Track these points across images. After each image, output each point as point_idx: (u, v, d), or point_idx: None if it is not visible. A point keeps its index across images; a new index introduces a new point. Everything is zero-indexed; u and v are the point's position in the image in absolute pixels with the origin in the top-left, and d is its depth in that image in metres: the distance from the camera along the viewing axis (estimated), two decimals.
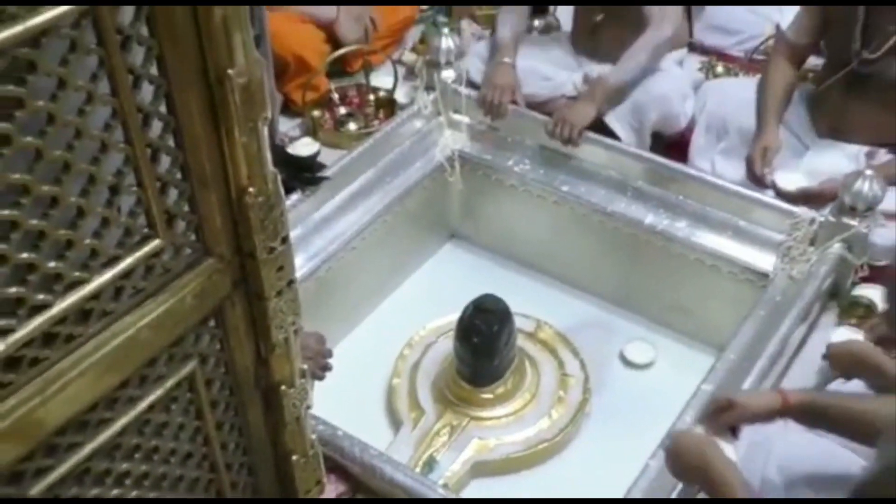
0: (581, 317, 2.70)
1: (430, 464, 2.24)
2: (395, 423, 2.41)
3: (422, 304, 2.75)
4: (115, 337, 1.09)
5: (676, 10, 2.75)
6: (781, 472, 1.78)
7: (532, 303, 2.65)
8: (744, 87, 2.88)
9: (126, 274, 1.08)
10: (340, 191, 2.57)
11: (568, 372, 2.49)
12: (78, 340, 1.06)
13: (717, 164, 2.69)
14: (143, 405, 1.18)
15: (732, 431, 1.77)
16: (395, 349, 2.56)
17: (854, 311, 2.28)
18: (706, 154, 2.73)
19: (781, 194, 2.49)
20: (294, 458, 1.42)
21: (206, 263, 1.18)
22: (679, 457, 1.71)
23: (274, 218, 1.16)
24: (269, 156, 1.14)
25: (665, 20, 2.69)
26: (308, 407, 1.41)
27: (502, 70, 2.75)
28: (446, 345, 2.47)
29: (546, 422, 2.36)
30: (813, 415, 1.73)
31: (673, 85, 2.79)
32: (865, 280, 2.33)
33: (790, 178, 2.52)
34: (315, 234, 2.48)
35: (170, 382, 1.20)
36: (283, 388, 1.33)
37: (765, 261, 2.36)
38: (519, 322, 2.44)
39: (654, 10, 2.69)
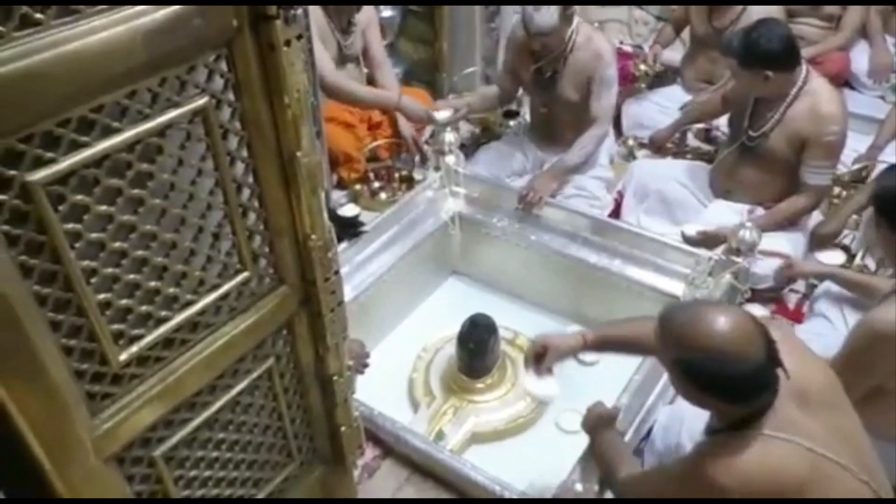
0: (546, 328, 2.62)
1: (440, 434, 2.21)
2: (414, 405, 2.39)
3: (432, 321, 2.73)
4: (216, 341, 1.09)
5: (611, 111, 2.71)
6: (691, 439, 1.75)
7: (511, 319, 2.62)
8: (660, 165, 2.90)
9: (224, 296, 1.08)
10: (374, 241, 2.56)
11: None
12: (189, 344, 1.06)
13: (642, 219, 2.68)
14: (234, 391, 1.18)
15: (549, 370, 1.80)
16: (413, 352, 2.54)
17: None
18: (633, 212, 2.73)
19: (687, 240, 2.49)
20: (343, 429, 1.41)
21: (281, 289, 1.18)
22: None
23: (329, 256, 1.17)
24: (325, 213, 1.15)
25: (606, 119, 2.67)
26: (352, 392, 1.40)
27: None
28: (450, 349, 2.45)
29: (522, 404, 2.33)
30: (604, 345, 1.77)
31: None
32: (749, 301, 2.32)
33: (692, 227, 2.52)
34: (357, 271, 2.47)
35: (254, 374, 1.20)
36: (335, 378, 1.32)
37: (676, 287, 2.34)
38: (502, 332, 2.41)
39: (599, 111, 2.63)
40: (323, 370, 1.31)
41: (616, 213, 2.80)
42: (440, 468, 1.87)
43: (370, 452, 1.92)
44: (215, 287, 1.06)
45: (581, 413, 2.29)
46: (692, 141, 3.17)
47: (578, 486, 1.53)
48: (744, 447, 1.27)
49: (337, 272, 1.21)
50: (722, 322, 1.23)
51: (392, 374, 2.46)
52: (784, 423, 1.29)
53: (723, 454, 1.28)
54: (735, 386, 1.23)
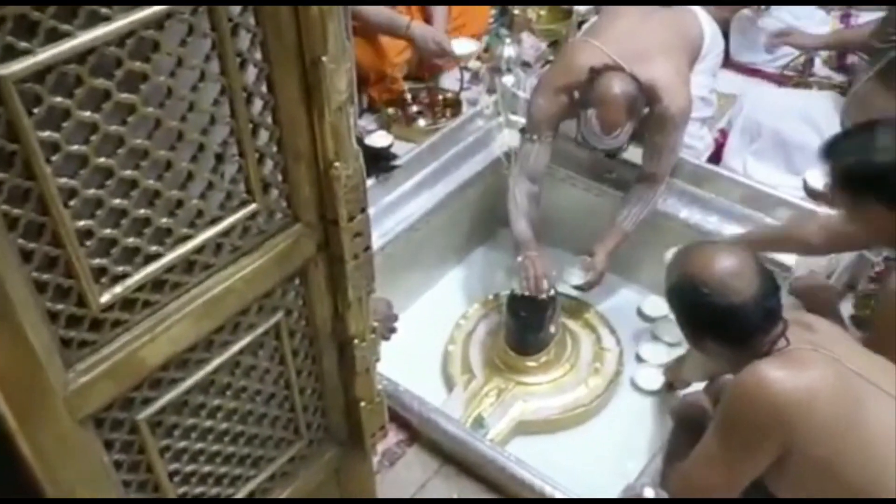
0: (619, 299, 2.68)
1: (479, 421, 2.25)
2: (449, 384, 2.42)
3: (477, 282, 2.76)
4: (215, 287, 1.11)
5: (669, 170, 2.47)
6: None
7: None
8: (780, 96, 2.84)
9: (226, 232, 1.10)
10: (409, 179, 2.58)
11: (604, 346, 2.47)
12: (183, 288, 1.08)
13: (749, 164, 2.64)
14: (235, 349, 1.20)
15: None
16: (451, 320, 2.57)
17: (867, 303, 2.23)
18: (739, 154, 2.68)
19: (809, 192, 2.43)
20: (362, 404, 1.43)
21: (295, 228, 1.19)
22: None
23: (356, 189, 1.17)
24: (353, 135, 1.15)
25: (664, 177, 2.44)
26: (377, 359, 1.42)
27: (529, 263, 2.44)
28: (497, 318, 2.48)
29: (583, 389, 2.35)
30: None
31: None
32: (879, 275, 2.27)
33: (817, 176, 2.46)
34: (385, 215, 2.49)
35: (259, 330, 1.22)
36: (356, 341, 1.33)
37: (787, 255, 2.31)
38: (562, 300, 2.43)
39: (657, 169, 2.43)
40: (342, 331, 1.33)
41: (716, 156, 2.75)
42: (477, 461, 1.90)
43: (393, 436, 1.96)
44: (216, 220, 1.08)
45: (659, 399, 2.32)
46: (820, 69, 3.09)
47: (649, 491, 1.55)
48: (765, 363, 1.48)
49: (364, 210, 1.21)
50: (714, 257, 1.56)
51: (424, 344, 2.50)
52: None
53: (747, 379, 1.48)
54: (726, 320, 1.51)
